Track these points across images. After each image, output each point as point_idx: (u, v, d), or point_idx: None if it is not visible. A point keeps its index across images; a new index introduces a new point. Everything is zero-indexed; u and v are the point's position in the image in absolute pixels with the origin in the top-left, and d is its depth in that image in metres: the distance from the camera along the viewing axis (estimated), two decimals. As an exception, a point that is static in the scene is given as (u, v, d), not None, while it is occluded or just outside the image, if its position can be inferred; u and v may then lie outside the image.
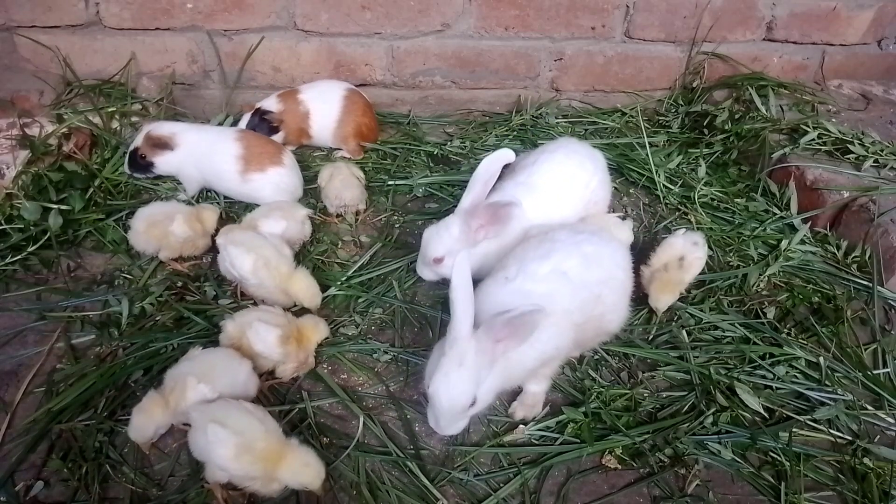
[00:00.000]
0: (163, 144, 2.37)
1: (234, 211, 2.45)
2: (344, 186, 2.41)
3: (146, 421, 1.60)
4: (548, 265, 1.68)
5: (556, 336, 1.63)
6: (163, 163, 2.41)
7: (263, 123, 2.66)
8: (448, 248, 1.99)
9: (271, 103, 2.70)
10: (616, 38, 3.07)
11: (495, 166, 2.01)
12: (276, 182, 2.40)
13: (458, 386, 1.49)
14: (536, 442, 1.74)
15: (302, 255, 2.24)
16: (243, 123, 2.68)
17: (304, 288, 1.98)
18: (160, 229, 2.14)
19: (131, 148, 2.42)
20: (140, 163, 2.42)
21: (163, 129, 2.40)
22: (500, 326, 1.48)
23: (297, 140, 2.82)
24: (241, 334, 1.77)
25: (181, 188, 2.50)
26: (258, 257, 1.94)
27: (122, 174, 2.50)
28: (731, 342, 2.03)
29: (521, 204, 1.93)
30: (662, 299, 2.02)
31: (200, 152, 2.39)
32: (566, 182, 2.13)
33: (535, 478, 1.66)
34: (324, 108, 2.74)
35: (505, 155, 2.02)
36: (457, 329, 1.50)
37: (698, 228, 2.46)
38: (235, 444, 1.44)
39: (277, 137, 2.70)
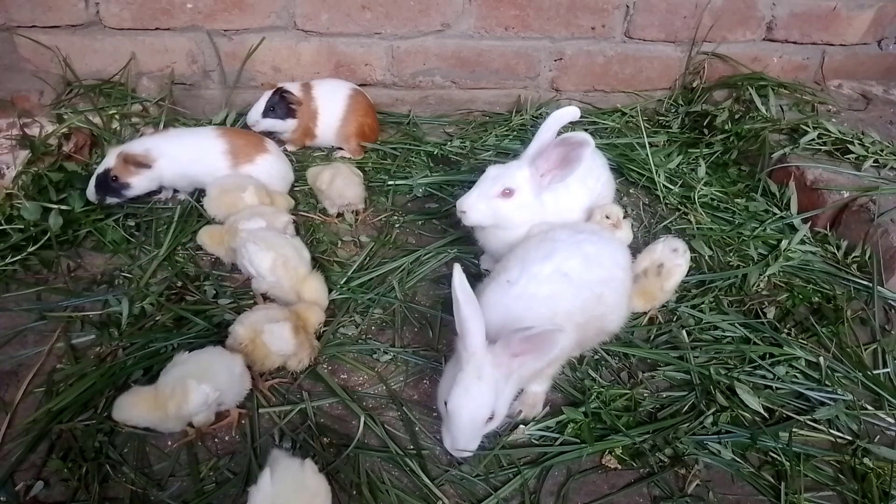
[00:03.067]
0: (140, 163, 2.28)
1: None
2: (346, 185, 2.42)
3: (129, 409, 1.61)
4: (550, 266, 1.68)
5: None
6: (141, 181, 2.31)
7: (283, 102, 2.66)
8: (519, 183, 1.95)
9: (293, 87, 2.70)
10: (616, 38, 3.07)
11: (564, 120, 2.00)
12: (266, 170, 2.43)
13: (479, 398, 1.47)
14: (536, 442, 1.74)
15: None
16: (262, 101, 2.67)
17: (315, 289, 1.98)
18: (232, 197, 2.21)
19: (100, 170, 2.28)
20: (112, 185, 2.28)
21: (136, 147, 2.32)
22: (518, 342, 1.46)
23: (302, 140, 2.82)
24: (254, 335, 1.76)
25: (173, 192, 2.49)
26: (277, 256, 1.94)
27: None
28: (731, 342, 2.03)
29: (592, 143, 1.86)
30: (633, 302, 2.00)
31: (186, 159, 2.36)
32: (583, 174, 2.10)
33: (535, 478, 1.66)
34: (330, 107, 2.75)
35: (571, 112, 2.01)
36: (471, 343, 1.48)
37: (698, 228, 2.47)
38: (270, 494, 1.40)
39: (291, 124, 2.71)
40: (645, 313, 2.09)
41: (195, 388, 1.58)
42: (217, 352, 1.71)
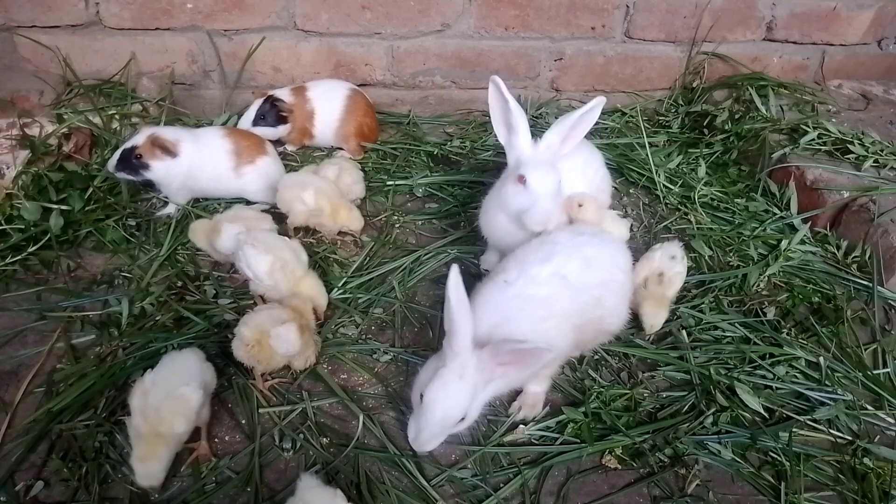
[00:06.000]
0: (168, 150, 2.29)
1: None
2: (354, 181, 2.45)
3: (155, 464, 1.51)
4: (548, 268, 1.68)
5: (556, 338, 1.62)
6: (160, 168, 2.31)
7: (273, 110, 2.67)
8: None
9: (284, 93, 2.71)
10: (616, 38, 3.07)
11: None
12: (265, 172, 2.43)
13: (456, 397, 1.47)
14: (536, 442, 1.74)
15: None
16: (253, 109, 2.68)
17: (311, 287, 1.98)
18: (293, 193, 2.25)
19: (127, 145, 2.31)
20: (133, 163, 2.30)
21: (168, 133, 2.33)
22: (506, 353, 1.46)
23: (300, 139, 2.82)
24: (259, 336, 1.74)
25: (161, 199, 2.47)
26: (276, 259, 1.94)
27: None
28: (731, 342, 2.03)
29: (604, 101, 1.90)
30: (660, 316, 1.98)
31: (199, 158, 2.35)
32: (581, 166, 2.12)
33: (535, 478, 1.66)
34: (327, 107, 2.75)
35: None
36: (458, 343, 1.48)
37: (698, 228, 2.47)
38: None
39: (283, 129, 2.72)
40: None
41: (194, 391, 1.57)
42: (173, 357, 1.68)
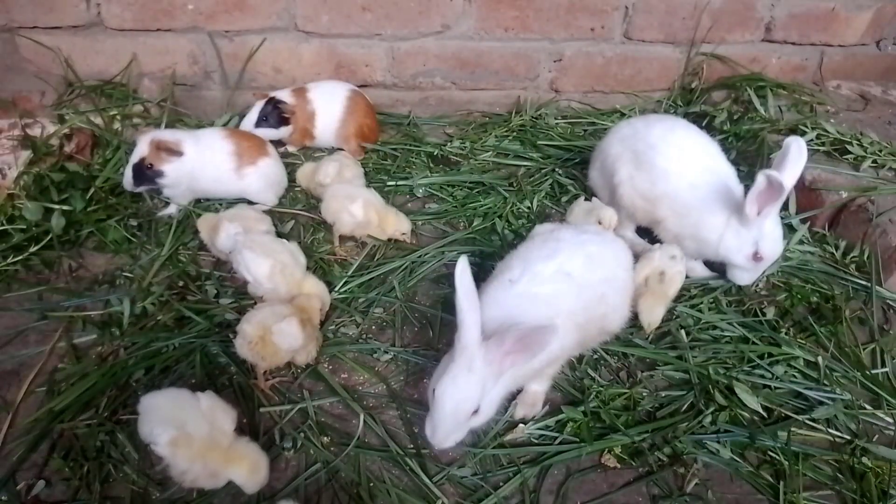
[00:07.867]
0: (172, 150, 2.29)
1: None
2: (354, 176, 2.46)
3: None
4: (552, 266, 1.68)
5: (561, 337, 1.62)
6: (173, 170, 2.31)
7: (276, 112, 2.68)
8: None
9: (285, 95, 2.72)
10: (615, 40, 3.08)
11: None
12: (266, 173, 2.45)
13: (465, 390, 1.47)
14: (536, 441, 1.75)
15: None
16: (255, 111, 2.69)
17: (315, 286, 1.99)
18: (340, 204, 2.26)
19: (135, 160, 2.30)
20: (147, 173, 2.30)
21: (167, 135, 2.34)
22: (510, 339, 1.46)
23: (301, 140, 2.83)
24: (262, 332, 1.75)
25: (162, 199, 2.47)
26: (275, 263, 1.95)
27: (123, 174, 2.49)
28: (729, 342, 2.03)
29: None
30: (657, 311, 2.00)
31: (201, 159, 2.36)
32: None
33: (534, 477, 1.66)
34: (328, 108, 2.76)
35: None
36: (465, 336, 1.48)
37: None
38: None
39: (285, 131, 2.73)
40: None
41: (227, 415, 1.58)
42: (165, 396, 1.61)
